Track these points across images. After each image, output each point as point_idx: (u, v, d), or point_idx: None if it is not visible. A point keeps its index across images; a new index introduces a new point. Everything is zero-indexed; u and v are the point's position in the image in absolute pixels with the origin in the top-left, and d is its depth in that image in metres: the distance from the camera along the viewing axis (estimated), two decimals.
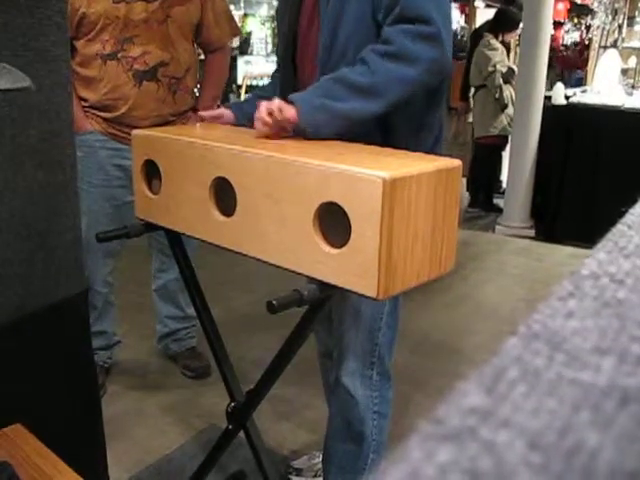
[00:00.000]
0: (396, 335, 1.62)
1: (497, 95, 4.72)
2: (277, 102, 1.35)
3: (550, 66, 4.67)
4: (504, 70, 4.70)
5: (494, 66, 4.68)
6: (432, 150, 1.43)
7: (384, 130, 1.41)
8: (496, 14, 5.00)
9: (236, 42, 8.64)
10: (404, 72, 1.31)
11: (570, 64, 9.86)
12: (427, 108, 1.46)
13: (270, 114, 1.34)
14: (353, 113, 1.33)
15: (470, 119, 5.40)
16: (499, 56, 4.72)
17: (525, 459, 0.18)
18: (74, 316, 1.52)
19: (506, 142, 4.78)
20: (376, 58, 1.31)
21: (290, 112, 1.33)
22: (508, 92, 4.76)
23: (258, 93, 1.74)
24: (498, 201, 5.06)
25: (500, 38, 4.84)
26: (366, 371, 1.59)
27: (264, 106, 1.35)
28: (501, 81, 4.71)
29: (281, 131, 1.38)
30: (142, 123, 2.10)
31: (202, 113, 1.66)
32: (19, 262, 1.35)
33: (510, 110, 4.75)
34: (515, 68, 4.75)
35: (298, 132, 1.36)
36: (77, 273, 1.50)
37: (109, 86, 2.13)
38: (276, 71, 1.71)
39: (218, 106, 2.18)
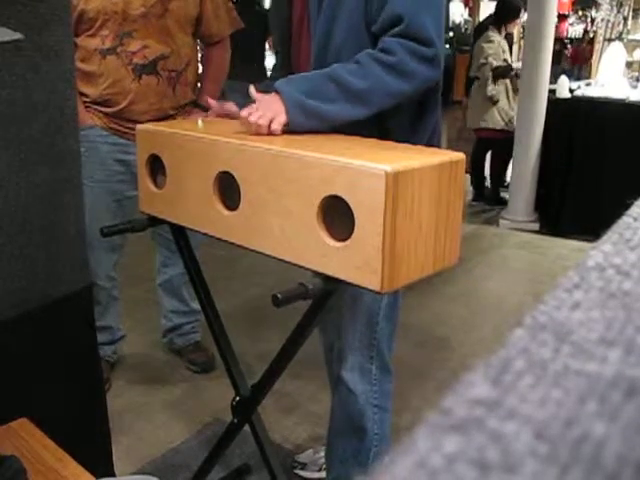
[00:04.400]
0: (396, 329, 1.62)
1: (487, 88, 4.71)
2: (270, 115, 1.33)
3: (558, 61, 4.65)
4: (495, 63, 4.67)
5: (486, 58, 4.67)
6: (428, 144, 1.43)
7: (380, 129, 1.41)
8: (496, 6, 4.97)
9: None
10: (396, 85, 1.32)
11: (581, 59, 9.82)
12: (423, 107, 1.46)
13: (269, 121, 1.33)
14: (336, 117, 1.33)
15: None
16: (493, 49, 4.69)
17: (532, 449, 0.18)
18: (78, 311, 1.52)
19: (507, 136, 4.74)
20: (373, 64, 1.32)
21: (283, 119, 1.32)
22: (503, 87, 4.74)
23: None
24: (503, 195, 5.05)
25: (504, 30, 4.82)
26: (366, 365, 1.59)
27: (261, 113, 1.33)
28: (490, 74, 4.68)
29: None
30: (142, 117, 2.10)
31: (211, 102, 1.64)
32: (23, 257, 1.35)
33: (504, 104, 4.73)
34: (513, 64, 4.73)
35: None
36: (81, 268, 1.51)
37: (109, 81, 2.13)
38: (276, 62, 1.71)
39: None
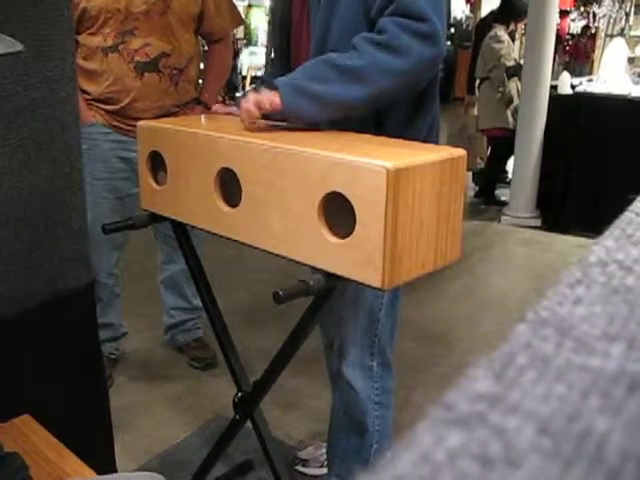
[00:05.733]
0: (396, 325, 1.62)
1: (500, 89, 4.69)
2: (267, 95, 1.32)
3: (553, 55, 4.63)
4: (508, 64, 4.65)
5: (498, 60, 4.65)
6: (426, 140, 1.43)
7: (376, 124, 1.40)
8: (503, 3, 4.93)
9: (240, 33, 8.61)
10: (392, 62, 1.29)
11: (580, 54, 9.78)
12: (419, 102, 1.45)
13: (258, 106, 1.33)
14: (334, 97, 1.30)
15: (476, 112, 5.37)
16: (505, 49, 4.67)
17: (535, 444, 0.18)
18: (81, 307, 1.52)
19: (512, 134, 4.74)
20: (366, 44, 1.30)
21: (277, 101, 1.31)
22: (514, 85, 4.72)
23: (265, 84, 1.74)
24: (504, 191, 5.04)
25: (511, 28, 4.79)
26: (366, 362, 1.59)
27: (252, 98, 1.33)
28: (505, 75, 4.66)
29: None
30: (145, 115, 2.10)
31: (216, 107, 1.65)
32: (25, 254, 1.36)
33: (516, 102, 4.72)
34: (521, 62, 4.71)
35: (288, 119, 1.35)
36: (83, 264, 1.51)
37: (111, 79, 2.13)
38: (272, 60, 1.71)
39: (223, 98, 2.17)
